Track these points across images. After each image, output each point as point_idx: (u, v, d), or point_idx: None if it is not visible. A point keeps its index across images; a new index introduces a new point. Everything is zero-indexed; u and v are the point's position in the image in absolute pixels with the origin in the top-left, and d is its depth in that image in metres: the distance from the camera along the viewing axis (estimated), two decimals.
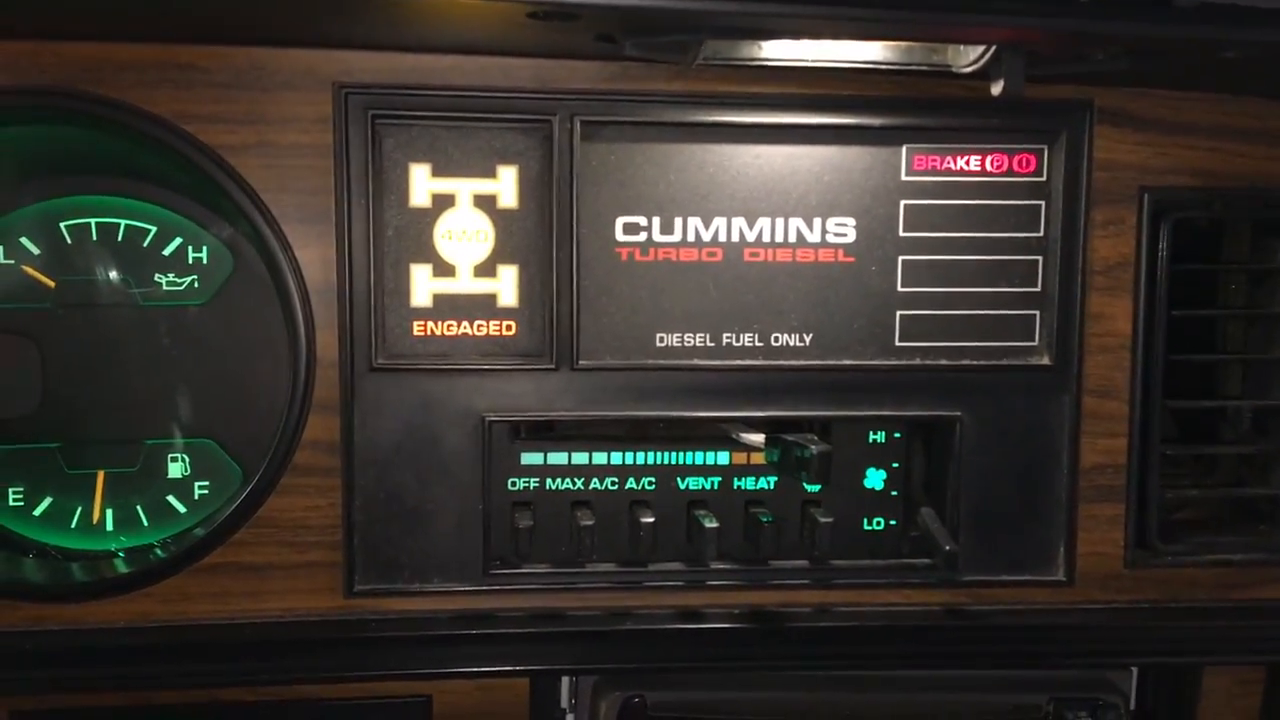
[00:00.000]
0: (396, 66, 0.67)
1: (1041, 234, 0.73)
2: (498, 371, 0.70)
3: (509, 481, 0.73)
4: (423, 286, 0.70)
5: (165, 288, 0.77)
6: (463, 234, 0.70)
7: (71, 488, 0.77)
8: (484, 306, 0.71)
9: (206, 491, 0.78)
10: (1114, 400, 0.75)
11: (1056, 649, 0.75)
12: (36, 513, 0.77)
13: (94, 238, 0.76)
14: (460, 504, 0.71)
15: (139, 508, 0.78)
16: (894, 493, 0.76)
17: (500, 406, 0.71)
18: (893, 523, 0.76)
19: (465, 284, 0.70)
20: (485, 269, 0.70)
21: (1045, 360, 0.74)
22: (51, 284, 0.75)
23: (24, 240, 0.75)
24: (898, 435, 0.75)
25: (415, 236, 0.70)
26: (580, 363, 0.70)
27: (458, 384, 0.70)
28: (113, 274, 0.76)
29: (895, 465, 0.76)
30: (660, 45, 0.61)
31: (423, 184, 0.70)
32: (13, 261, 0.75)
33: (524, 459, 0.73)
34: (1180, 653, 0.77)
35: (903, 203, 0.72)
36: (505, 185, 0.70)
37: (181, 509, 0.78)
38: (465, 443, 0.71)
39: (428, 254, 0.70)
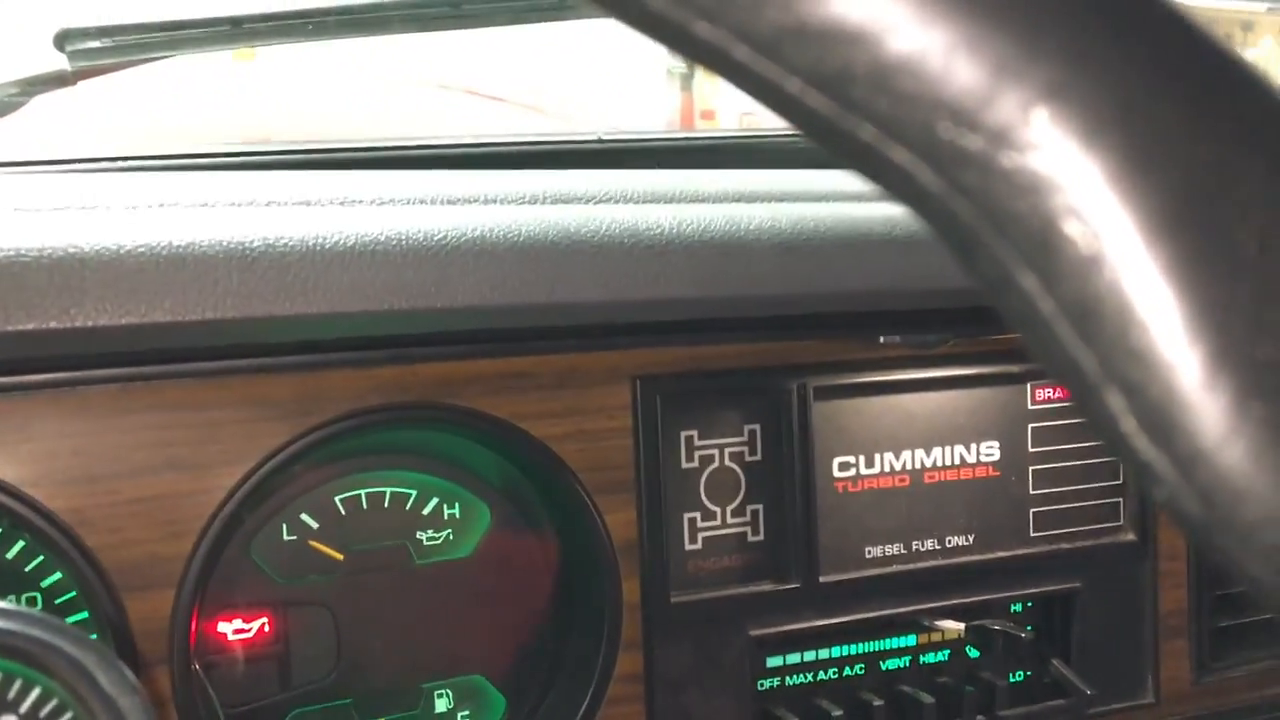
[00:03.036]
0: (677, 358, 0.82)
1: None
2: (756, 594, 0.86)
3: (758, 683, 0.88)
4: (694, 531, 0.85)
5: (425, 543, 0.87)
6: (721, 484, 0.85)
7: None
8: (738, 542, 0.86)
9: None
10: (1178, 561, 0.98)
11: None
12: None
13: (364, 505, 0.85)
14: (733, 711, 0.85)
15: None
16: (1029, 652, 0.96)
17: (760, 623, 0.86)
18: (1029, 674, 0.96)
19: (724, 525, 0.86)
20: (738, 510, 0.86)
21: (1132, 537, 0.97)
22: (339, 556, 0.84)
23: (304, 516, 0.84)
24: (1030, 605, 0.96)
25: (689, 490, 0.84)
26: (820, 579, 0.87)
27: (727, 608, 0.85)
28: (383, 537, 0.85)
29: (1029, 628, 0.96)
30: (914, 341, 0.80)
31: (692, 448, 0.85)
32: (296, 537, 0.84)
33: (768, 663, 0.88)
34: None
35: (1030, 426, 0.94)
36: (751, 441, 0.86)
37: None
38: (735, 656, 0.85)
39: (696, 504, 0.85)
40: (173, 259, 0.57)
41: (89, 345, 0.59)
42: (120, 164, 0.84)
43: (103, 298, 0.55)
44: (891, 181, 0.22)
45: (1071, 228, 0.20)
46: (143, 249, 0.56)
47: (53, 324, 0.54)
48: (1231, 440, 0.20)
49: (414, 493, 0.86)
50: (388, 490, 0.86)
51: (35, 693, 0.40)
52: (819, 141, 0.23)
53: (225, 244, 0.58)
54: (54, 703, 0.40)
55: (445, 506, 0.87)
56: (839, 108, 0.21)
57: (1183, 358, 0.20)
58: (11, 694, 0.39)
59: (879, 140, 0.21)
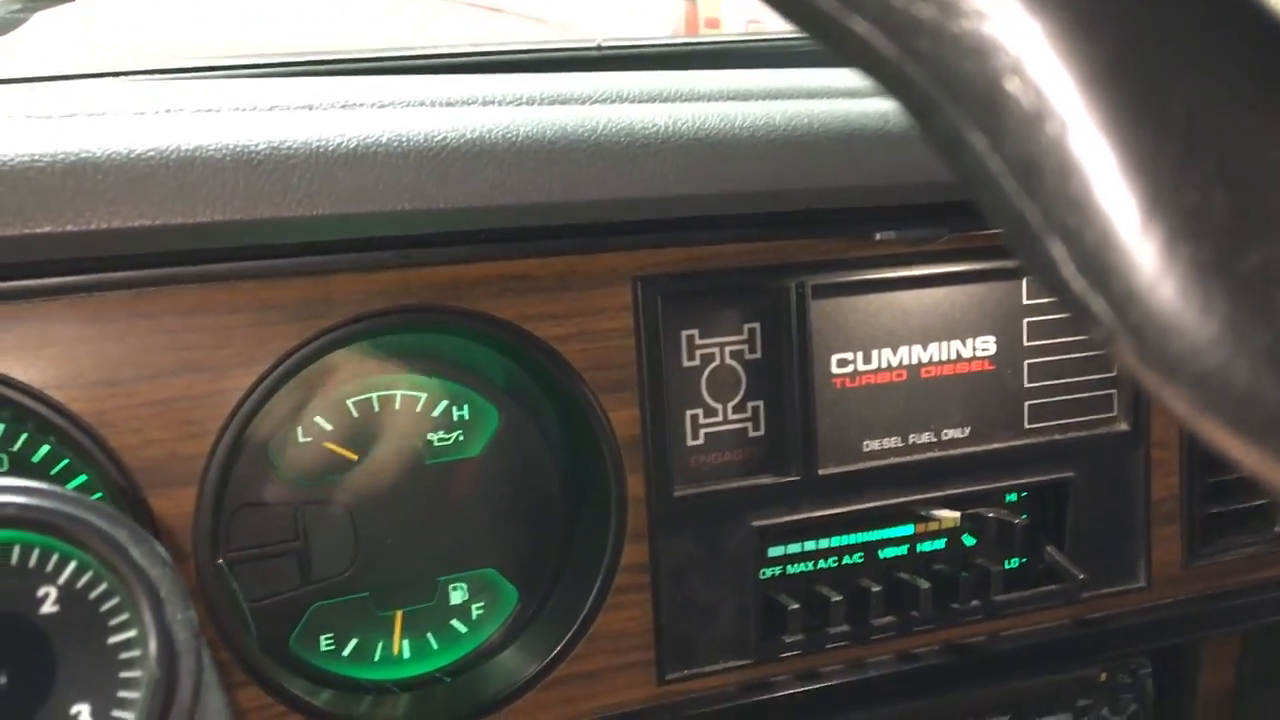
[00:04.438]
0: (676, 258, 0.84)
1: None
2: (757, 486, 0.88)
3: (760, 571, 0.91)
4: (696, 428, 0.87)
5: (436, 444, 0.89)
6: (722, 382, 0.88)
7: (375, 627, 0.89)
8: (739, 437, 0.89)
9: (482, 611, 0.92)
10: (1170, 450, 1.01)
11: (1149, 633, 1.01)
12: (345, 653, 0.88)
13: (375, 408, 0.88)
14: (736, 597, 0.88)
15: (429, 635, 0.90)
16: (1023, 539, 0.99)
17: (762, 514, 0.89)
18: (1024, 560, 1.00)
19: (725, 421, 0.88)
20: (739, 407, 0.88)
21: (1125, 426, 0.99)
22: (353, 456, 0.87)
23: (318, 419, 0.86)
24: (1025, 494, 0.99)
25: (690, 388, 0.87)
26: (819, 472, 0.90)
27: (729, 500, 0.88)
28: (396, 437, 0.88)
29: (1024, 516, 0.99)
30: (909, 237, 0.81)
31: (693, 347, 0.87)
32: (311, 439, 0.86)
33: (770, 552, 0.91)
34: (1226, 624, 1.05)
35: (1025, 320, 0.96)
36: (750, 340, 0.88)
37: (463, 629, 0.91)
38: (737, 546, 0.88)
39: (698, 401, 0.87)
40: (181, 162, 0.58)
41: (103, 248, 0.61)
42: (124, 76, 0.86)
43: (115, 200, 0.57)
44: (853, 51, 0.24)
45: (1014, 86, 0.22)
46: (152, 153, 0.58)
47: (69, 227, 0.56)
48: (1161, 280, 0.22)
49: (423, 395, 0.89)
50: (398, 393, 0.89)
51: (71, 566, 0.42)
52: (788, 18, 0.24)
53: (231, 147, 0.60)
54: (89, 574, 0.43)
55: (454, 408, 0.90)
56: None
57: (1117, 206, 0.22)
58: (49, 566, 0.42)
59: (840, 12, 0.23)
